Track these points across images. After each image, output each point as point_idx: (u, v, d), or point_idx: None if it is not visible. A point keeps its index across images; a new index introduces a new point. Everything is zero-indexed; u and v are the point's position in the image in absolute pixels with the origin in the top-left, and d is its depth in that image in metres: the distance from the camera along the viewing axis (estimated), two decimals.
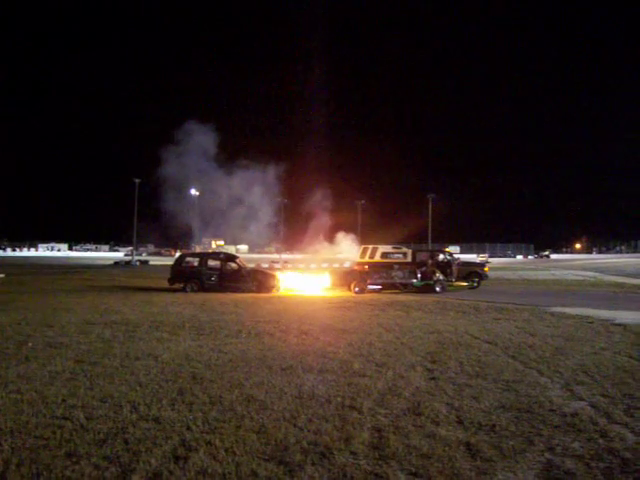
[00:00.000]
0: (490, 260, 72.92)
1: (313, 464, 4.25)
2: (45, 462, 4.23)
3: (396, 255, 25.86)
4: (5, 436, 4.76)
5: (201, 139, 25.53)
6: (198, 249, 47.56)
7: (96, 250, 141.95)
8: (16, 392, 6.19)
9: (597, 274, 38.86)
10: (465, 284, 25.58)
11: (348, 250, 29.36)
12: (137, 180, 65.02)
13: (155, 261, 70.01)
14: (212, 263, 23.36)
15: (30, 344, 9.20)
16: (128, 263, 63.49)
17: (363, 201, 65.03)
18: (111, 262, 64.57)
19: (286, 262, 45.51)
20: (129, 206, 67.01)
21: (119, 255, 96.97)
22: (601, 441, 4.80)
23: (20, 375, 7.00)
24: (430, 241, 74.30)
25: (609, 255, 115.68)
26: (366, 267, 24.90)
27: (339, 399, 6.02)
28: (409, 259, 25.30)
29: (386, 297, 20.22)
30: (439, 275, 23.25)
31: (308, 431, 4.96)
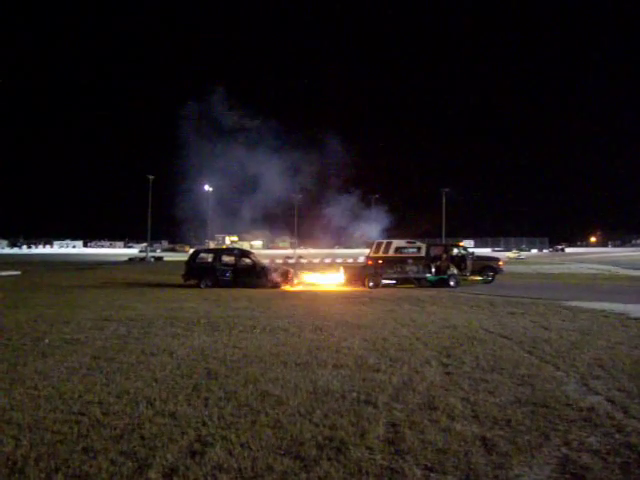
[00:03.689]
0: (523, 255, 72.53)
1: (329, 459, 4.25)
2: (63, 457, 4.27)
3: (410, 249, 25.67)
4: (23, 431, 4.82)
5: (213, 128, 25.35)
6: (212, 245, 47.69)
7: (110, 247, 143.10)
8: (33, 388, 6.26)
9: (612, 267, 38.49)
10: (479, 278, 25.46)
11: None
12: (151, 177, 65.54)
13: (169, 257, 70.45)
14: (226, 259, 23.38)
15: (47, 341, 9.31)
16: (142, 259, 64.00)
17: (377, 195, 64.96)
18: (125, 258, 65.10)
19: (300, 257, 45.53)
20: (143, 203, 67.57)
21: (133, 251, 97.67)
22: (618, 436, 4.76)
23: (37, 371, 7.09)
24: (444, 235, 73.96)
25: (624, 248, 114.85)
26: (380, 262, 24.84)
27: (354, 394, 6.02)
28: (423, 253, 25.10)
29: (400, 292, 20.17)
30: (453, 269, 23.14)
31: (323, 426, 4.96)
